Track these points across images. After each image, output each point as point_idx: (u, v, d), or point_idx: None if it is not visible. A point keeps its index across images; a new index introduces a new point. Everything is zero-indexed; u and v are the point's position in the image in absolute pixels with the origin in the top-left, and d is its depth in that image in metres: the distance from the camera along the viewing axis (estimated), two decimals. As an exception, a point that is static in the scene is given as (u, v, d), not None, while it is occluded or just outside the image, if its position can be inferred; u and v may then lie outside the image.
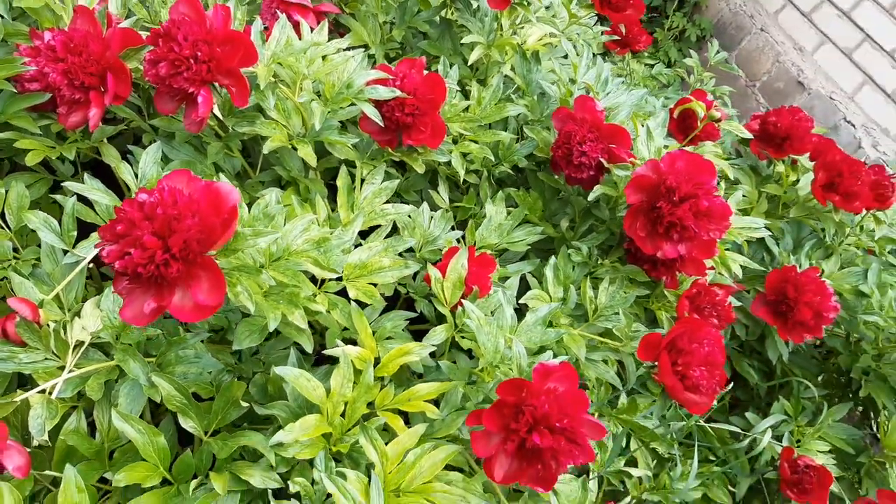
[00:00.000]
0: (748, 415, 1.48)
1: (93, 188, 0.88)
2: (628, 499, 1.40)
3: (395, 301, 1.17)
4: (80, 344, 0.87)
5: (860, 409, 1.69)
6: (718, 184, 1.30)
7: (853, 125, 2.69)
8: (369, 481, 0.80)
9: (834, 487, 1.40)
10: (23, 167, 1.09)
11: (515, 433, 0.76)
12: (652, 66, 2.07)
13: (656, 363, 0.98)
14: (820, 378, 1.67)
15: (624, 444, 1.38)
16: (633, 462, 1.40)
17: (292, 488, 0.81)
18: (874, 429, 1.64)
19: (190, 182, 0.72)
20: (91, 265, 0.99)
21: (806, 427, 1.48)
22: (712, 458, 1.47)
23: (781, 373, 1.57)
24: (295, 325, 0.87)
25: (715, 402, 1.27)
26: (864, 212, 1.50)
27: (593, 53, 1.52)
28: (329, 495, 0.82)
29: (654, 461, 1.42)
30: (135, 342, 0.85)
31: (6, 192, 0.98)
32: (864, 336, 1.48)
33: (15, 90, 0.97)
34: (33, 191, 1.04)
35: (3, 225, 0.97)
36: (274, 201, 0.85)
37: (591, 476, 1.35)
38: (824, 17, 2.80)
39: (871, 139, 2.64)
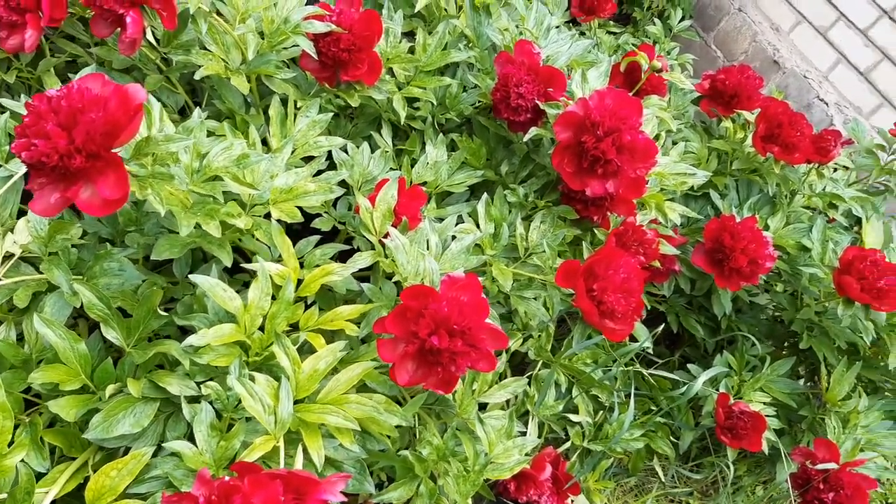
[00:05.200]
0: (691, 366, 1.51)
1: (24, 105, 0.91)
2: (567, 445, 1.43)
3: (333, 237, 1.20)
4: (10, 256, 0.90)
5: (808, 369, 1.72)
6: (658, 137, 1.32)
7: (826, 103, 2.71)
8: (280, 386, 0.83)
9: (771, 436, 1.43)
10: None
11: (416, 336, 0.79)
12: (617, 34, 2.09)
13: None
14: (769, 341, 1.69)
15: (564, 390, 1.41)
16: (575, 410, 1.43)
17: (204, 392, 0.84)
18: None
19: (104, 85, 0.75)
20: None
21: (749, 380, 1.50)
22: (656, 409, 1.50)
23: (728, 329, 1.60)
24: (216, 240, 0.90)
25: (646, 342, 1.30)
26: (807, 165, 1.52)
27: (550, 13, 1.54)
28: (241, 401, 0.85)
29: (600, 412, 1.45)
30: (60, 249, 0.88)
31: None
32: (807, 291, 1.51)
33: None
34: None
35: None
36: (196, 118, 0.88)
37: (530, 417, 1.38)
38: (800, -3, 2.82)
39: (842, 116, 2.67)
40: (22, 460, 0.83)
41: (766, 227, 1.51)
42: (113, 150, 0.71)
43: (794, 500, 1.44)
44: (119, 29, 0.96)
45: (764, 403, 1.46)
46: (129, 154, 0.78)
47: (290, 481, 0.73)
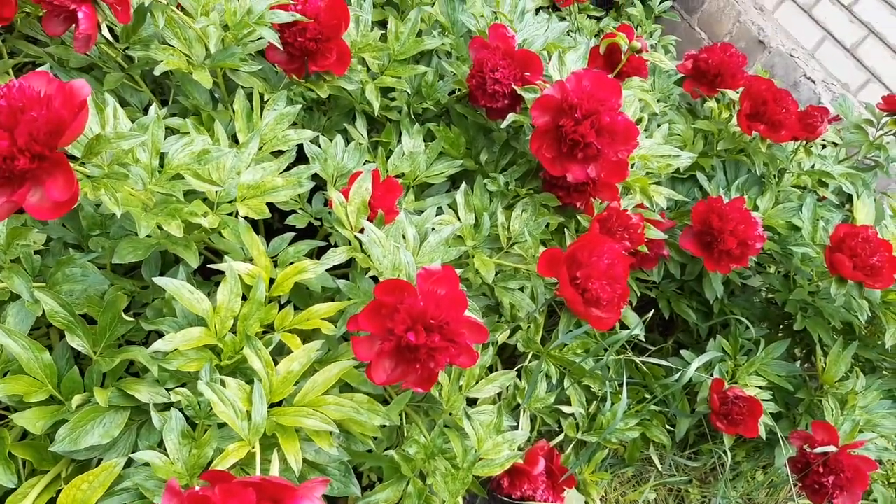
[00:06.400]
0: (684, 352, 1.48)
1: (-25, 108, 0.87)
2: (561, 437, 1.40)
3: (311, 234, 1.16)
4: (-33, 265, 0.86)
5: (803, 351, 1.69)
6: (640, 120, 1.29)
7: (813, 81, 2.68)
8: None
9: (768, 420, 1.40)
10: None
11: (392, 332, 0.76)
12: (599, 18, 2.06)
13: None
14: (764, 324, 1.67)
15: (556, 382, 1.38)
16: (568, 401, 1.40)
17: (174, 398, 0.80)
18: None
19: (48, 83, 0.71)
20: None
21: (744, 364, 1.48)
22: (650, 397, 1.47)
23: (721, 313, 1.57)
24: (181, 241, 0.87)
25: (636, 329, 1.27)
26: (795, 143, 1.49)
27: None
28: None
29: (593, 402, 1.42)
30: (22, 256, 0.84)
31: None
32: (799, 272, 1.48)
33: None
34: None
35: None
36: (152, 114, 0.84)
37: (521, 411, 1.35)
38: (783, -25, 2.79)
39: (830, 94, 2.64)
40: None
41: (756, 208, 1.48)
42: (60, 150, 0.68)
43: (794, 485, 1.41)
44: (73, 26, 0.92)
45: (759, 388, 1.44)
46: (82, 154, 0.74)
47: (265, 488, 0.69)
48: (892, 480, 1.83)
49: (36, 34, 1.15)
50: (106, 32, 0.94)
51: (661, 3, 2.10)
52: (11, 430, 0.90)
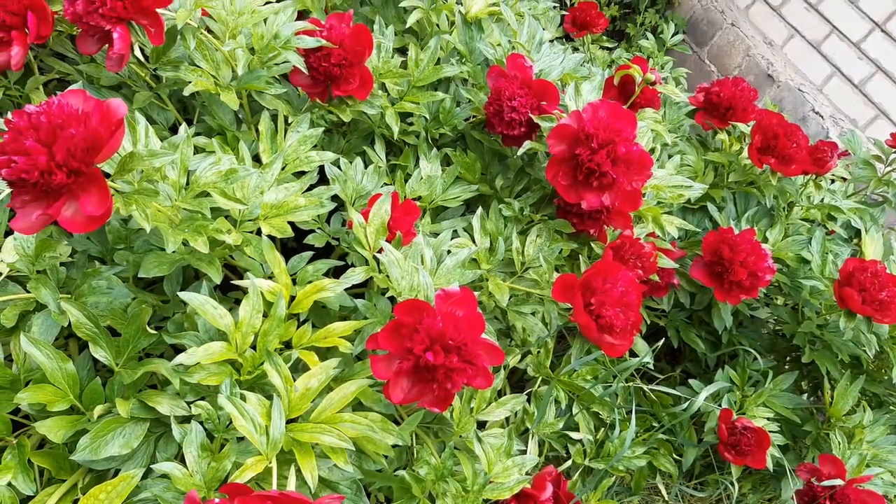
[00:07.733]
0: (692, 382, 1.48)
1: (10, 123, 0.90)
2: (568, 463, 1.41)
3: (327, 253, 1.18)
4: (-4, 275, 0.88)
5: (811, 384, 1.69)
6: (653, 150, 1.31)
7: (821, 116, 2.71)
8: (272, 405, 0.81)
9: (775, 452, 1.40)
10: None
11: (411, 352, 0.77)
12: (611, 49, 2.09)
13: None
14: (772, 355, 1.67)
15: (565, 407, 1.38)
16: (576, 427, 1.40)
17: (194, 411, 0.82)
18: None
19: (85, 100, 0.74)
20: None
21: (752, 395, 1.48)
22: (658, 426, 1.47)
23: (729, 343, 1.58)
24: (205, 257, 0.89)
25: (646, 357, 1.28)
26: (804, 177, 1.51)
27: (542, 28, 1.54)
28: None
29: (601, 429, 1.42)
30: (48, 267, 0.86)
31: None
32: (808, 304, 1.49)
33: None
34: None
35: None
36: (182, 134, 0.87)
37: (530, 436, 1.35)
38: (793, 11, 2.83)
39: (838, 129, 2.67)
40: (9, 483, 0.82)
41: (765, 240, 1.50)
42: (95, 166, 0.70)
43: (801, 518, 1.41)
44: (106, 45, 0.95)
45: (767, 419, 1.44)
46: (114, 170, 0.77)
47: (282, 503, 0.71)
48: (898, 517, 1.82)
49: (66, 51, 1.18)
50: (138, 53, 0.97)
51: (672, 35, 2.14)
52: (30, 437, 0.91)
